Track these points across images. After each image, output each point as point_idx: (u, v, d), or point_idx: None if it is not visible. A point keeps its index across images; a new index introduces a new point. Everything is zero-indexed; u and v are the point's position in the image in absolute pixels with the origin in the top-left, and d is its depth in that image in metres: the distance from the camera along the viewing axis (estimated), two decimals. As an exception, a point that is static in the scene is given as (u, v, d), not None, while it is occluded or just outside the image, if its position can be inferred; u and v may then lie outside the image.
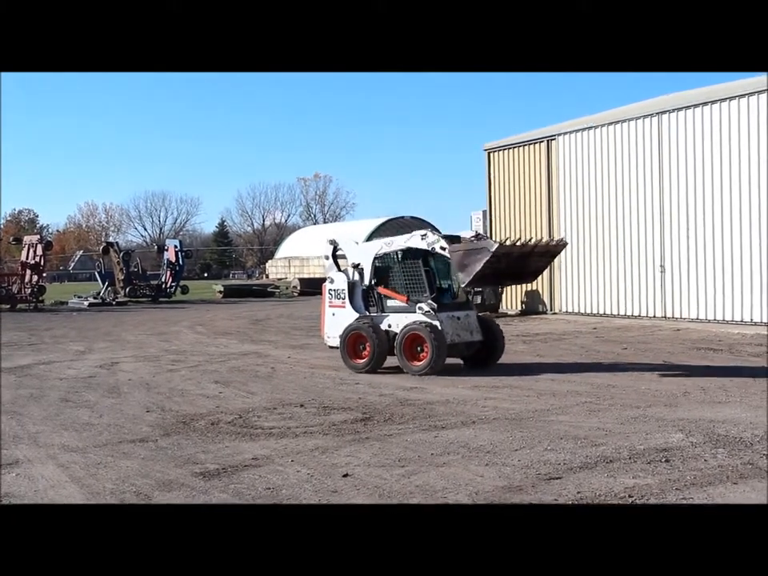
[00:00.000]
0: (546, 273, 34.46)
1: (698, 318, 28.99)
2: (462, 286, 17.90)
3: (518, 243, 17.57)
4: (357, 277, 19.62)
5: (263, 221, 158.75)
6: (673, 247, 30.13)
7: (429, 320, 18.22)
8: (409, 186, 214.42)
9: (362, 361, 18.95)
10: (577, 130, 34.21)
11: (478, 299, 35.59)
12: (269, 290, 66.20)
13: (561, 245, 18.75)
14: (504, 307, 37.27)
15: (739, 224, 27.79)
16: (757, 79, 27.22)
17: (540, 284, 35.99)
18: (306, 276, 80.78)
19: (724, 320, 28.15)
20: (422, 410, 14.03)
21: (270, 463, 10.64)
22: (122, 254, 58.90)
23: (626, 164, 31.95)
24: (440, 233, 18.70)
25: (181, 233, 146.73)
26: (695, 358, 20.64)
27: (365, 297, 19.52)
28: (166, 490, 9.52)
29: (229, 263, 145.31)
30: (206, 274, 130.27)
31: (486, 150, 39.46)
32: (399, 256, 19.09)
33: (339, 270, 20.18)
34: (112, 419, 13.93)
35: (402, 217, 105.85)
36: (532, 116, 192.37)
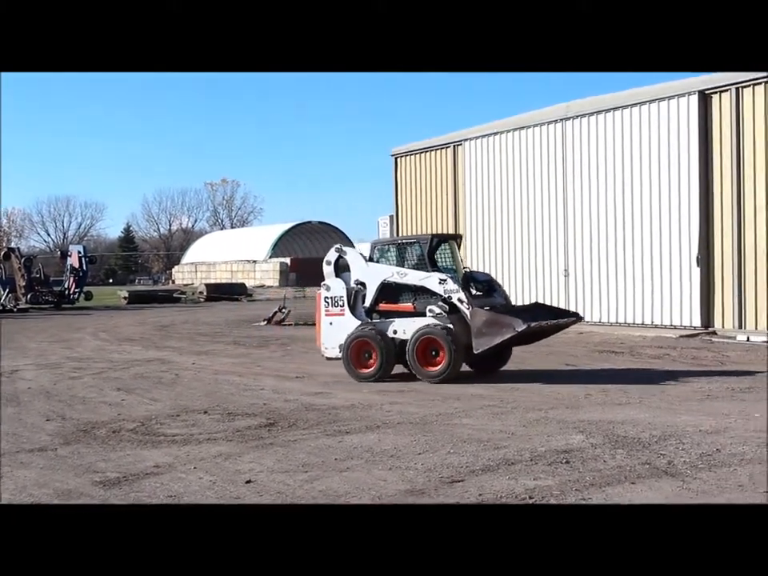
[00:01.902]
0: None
1: (600, 322, 29.44)
2: (475, 352, 17.09)
3: (545, 324, 17.62)
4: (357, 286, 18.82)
5: (170, 226, 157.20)
6: (576, 252, 30.57)
7: (442, 323, 17.57)
8: (317, 191, 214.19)
9: (370, 370, 18.12)
10: (483, 136, 34.51)
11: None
12: (175, 295, 65.47)
13: (573, 321, 18.96)
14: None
15: (640, 229, 28.29)
16: (660, 86, 27.75)
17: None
18: (212, 281, 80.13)
19: (626, 323, 28.64)
20: (327, 415, 14.01)
21: (172, 470, 10.52)
22: (23, 260, 57.74)
23: (531, 169, 32.33)
24: (448, 276, 17.75)
25: (85, 238, 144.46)
26: (598, 360, 20.98)
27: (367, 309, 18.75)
28: (65, 499, 9.35)
29: (134, 269, 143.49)
30: (110, 280, 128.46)
31: (393, 155, 39.61)
32: (411, 287, 18.28)
33: (337, 276, 19.21)
34: (10, 428, 13.63)
35: (310, 222, 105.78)
36: (439, 122, 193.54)
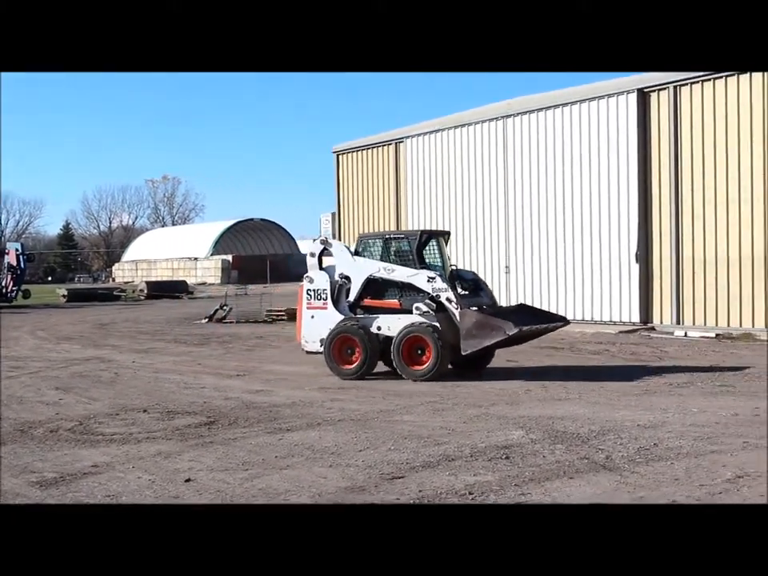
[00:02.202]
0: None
1: (541, 318, 29.58)
2: (463, 353, 16.86)
3: (534, 328, 17.48)
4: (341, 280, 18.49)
5: (110, 223, 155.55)
6: (517, 248, 30.74)
7: (428, 321, 17.28)
8: (259, 188, 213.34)
9: (352, 366, 17.78)
10: (424, 133, 34.57)
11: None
12: (115, 293, 64.80)
13: (562, 325, 18.94)
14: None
15: (580, 225, 28.52)
16: (599, 84, 28.01)
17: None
18: (153, 279, 79.52)
19: (566, 319, 28.82)
20: (268, 413, 13.95)
21: (110, 470, 10.42)
22: (-41, 258, 56.84)
23: (473, 167, 32.44)
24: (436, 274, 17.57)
25: (23, 236, 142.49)
26: (539, 356, 21.11)
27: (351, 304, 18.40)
28: (1, 500, 9.22)
29: (74, 267, 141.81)
30: (49, 278, 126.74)
31: (334, 152, 39.56)
32: (397, 283, 17.98)
33: (321, 268, 18.83)
34: (-55, 428, 13.42)
35: (252, 219, 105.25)
36: (381, 119, 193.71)
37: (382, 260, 18.15)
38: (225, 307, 37.17)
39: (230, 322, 35.45)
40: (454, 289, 17.49)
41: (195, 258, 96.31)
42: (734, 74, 24.02)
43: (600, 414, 13.17)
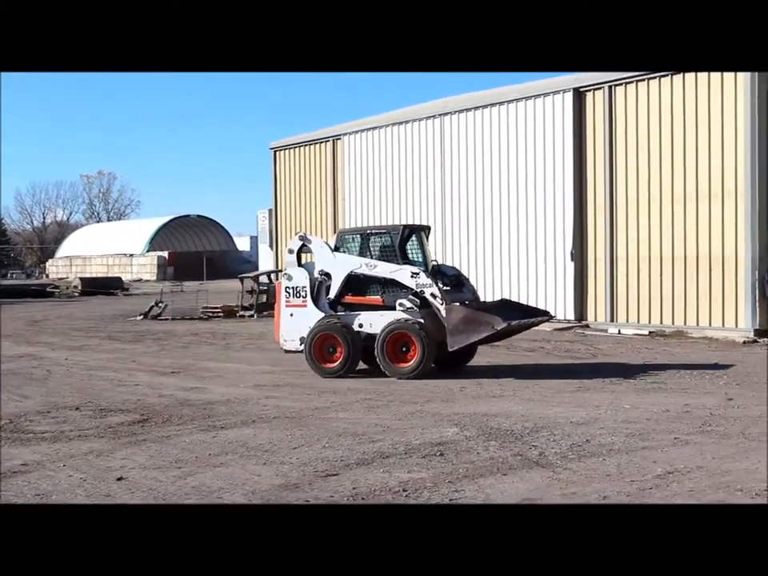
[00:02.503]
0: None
1: (477, 315, 29.71)
2: (450, 349, 16.67)
3: (523, 322, 17.50)
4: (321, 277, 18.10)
5: (44, 218, 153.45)
6: (453, 246, 30.85)
7: (413, 317, 16.99)
8: (195, 185, 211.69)
9: (335, 365, 17.41)
10: (362, 130, 34.58)
11: (264, 298, 35.56)
12: (48, 290, 63.93)
13: (546, 320, 19.16)
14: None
15: (516, 224, 28.70)
16: (535, 84, 28.20)
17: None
18: (88, 275, 78.58)
19: (502, 317, 28.97)
20: (202, 411, 13.86)
21: (40, 468, 10.28)
22: None
23: (410, 164, 32.51)
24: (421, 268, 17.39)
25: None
26: (479, 353, 21.14)
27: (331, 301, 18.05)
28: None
29: (6, 262, 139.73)
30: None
31: (272, 148, 39.46)
32: (379, 279, 17.71)
33: (300, 265, 18.41)
34: None
35: (188, 215, 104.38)
36: (318, 116, 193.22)
37: (361, 256, 17.88)
38: (160, 304, 36.85)
39: (166, 319, 35.15)
40: (437, 284, 17.18)
41: (131, 255, 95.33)
42: (667, 75, 24.31)
43: (534, 410, 13.27)
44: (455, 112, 30.76)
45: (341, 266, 17.90)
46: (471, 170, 30.23)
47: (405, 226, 18.27)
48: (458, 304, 17.05)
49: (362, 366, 17.86)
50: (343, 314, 17.82)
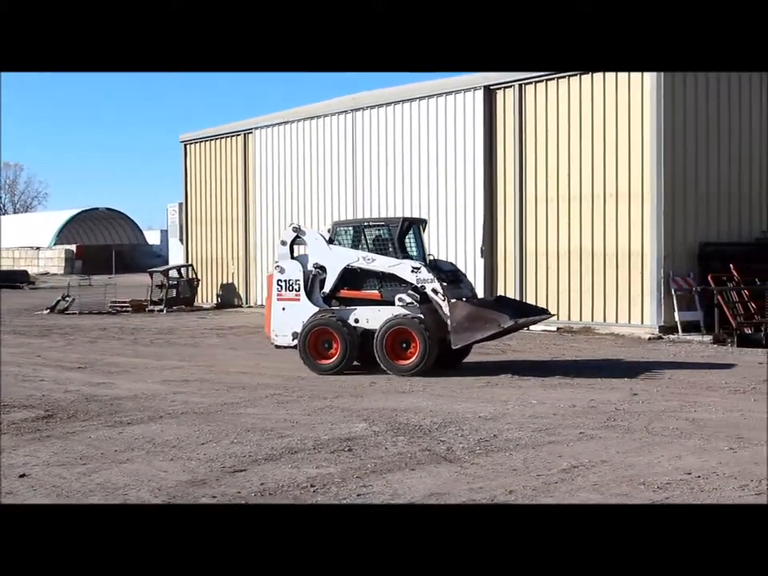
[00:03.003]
0: (242, 267, 34.59)
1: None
2: (453, 347, 16.16)
3: (529, 320, 17.27)
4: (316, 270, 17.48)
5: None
6: (365, 242, 30.83)
7: (412, 312, 16.48)
8: (104, 177, 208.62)
9: (331, 361, 16.87)
10: (273, 125, 34.44)
11: (173, 292, 35.26)
12: (-49, 283, 62.57)
13: (548, 317, 18.97)
14: (199, 301, 37.00)
15: (426, 218, 28.76)
16: (447, 80, 28.33)
17: (236, 277, 36.06)
18: (-7, 268, 76.94)
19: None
20: (109, 406, 13.67)
21: (-60, 465, 10.04)
22: None
23: (322, 159, 32.47)
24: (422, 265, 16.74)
25: None
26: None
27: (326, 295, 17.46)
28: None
29: None
30: None
31: (182, 141, 39.10)
32: (377, 273, 17.16)
33: (293, 257, 17.77)
34: None
35: (97, 208, 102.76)
36: (231, 108, 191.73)
37: (355, 248, 17.35)
38: (67, 298, 36.27)
39: (73, 314, 34.61)
40: (438, 279, 16.59)
41: (37, 248, 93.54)
42: (576, 74, 24.62)
43: (443, 406, 13.35)
44: (367, 108, 30.80)
45: (337, 259, 17.31)
46: (383, 165, 30.29)
47: (404, 219, 17.83)
48: (461, 301, 16.50)
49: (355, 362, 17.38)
50: (338, 308, 17.30)
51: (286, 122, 33.92)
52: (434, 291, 16.35)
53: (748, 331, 21.72)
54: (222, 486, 8.98)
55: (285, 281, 17.53)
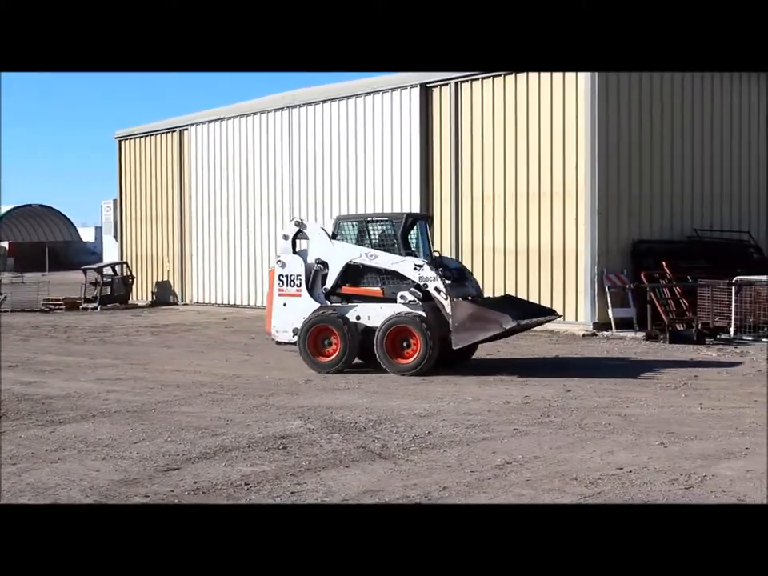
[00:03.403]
0: (177, 264, 34.34)
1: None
2: (454, 347, 15.75)
3: (532, 321, 16.63)
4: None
5: None
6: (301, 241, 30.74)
7: (414, 310, 16.07)
8: (37, 173, 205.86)
9: (330, 358, 16.52)
10: (209, 121, 34.23)
11: (108, 290, 34.92)
12: None
13: (554, 318, 18.29)
14: (134, 298, 36.66)
15: (363, 212, 28.73)
16: (384, 78, 28.33)
17: (171, 275, 35.81)
18: None
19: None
20: (40, 405, 13.49)
21: None
22: None
23: (258, 156, 32.34)
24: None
25: None
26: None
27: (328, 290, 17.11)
28: None
29: None
30: None
31: (117, 137, 38.73)
32: (379, 270, 16.74)
33: (294, 252, 17.44)
34: None
35: (30, 205, 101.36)
36: (166, 105, 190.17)
37: (358, 244, 16.95)
38: (-1, 296, 35.73)
39: (5, 311, 34.04)
40: (441, 278, 16.22)
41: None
42: (511, 73, 24.77)
43: (378, 403, 13.37)
44: (303, 105, 30.73)
45: (339, 255, 16.92)
46: (319, 163, 30.24)
47: (408, 215, 17.48)
48: (463, 300, 16.11)
49: (356, 360, 17.02)
50: (339, 305, 16.91)
51: (221, 119, 33.74)
52: (437, 290, 15.99)
53: (680, 327, 22.01)
54: (155, 484, 8.91)
55: (286, 276, 17.20)
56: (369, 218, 17.81)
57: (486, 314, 15.70)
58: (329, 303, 16.94)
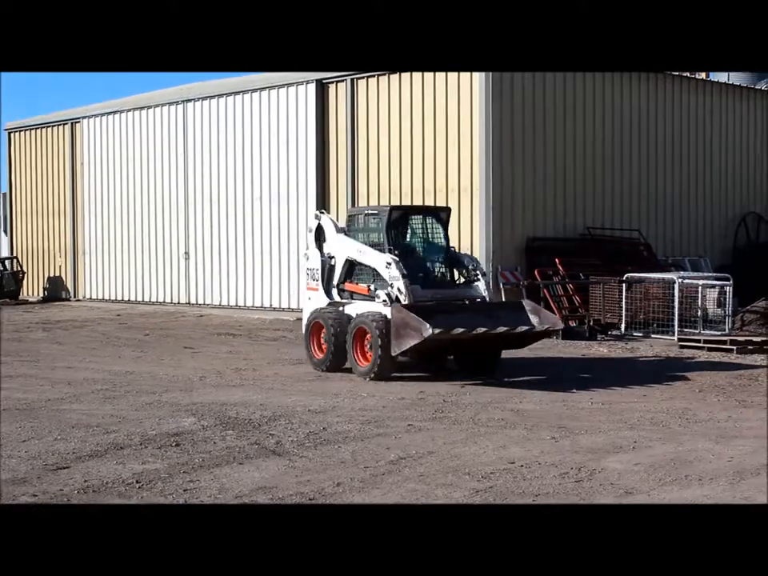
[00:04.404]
0: (69, 260, 33.76)
1: (220, 305, 29.60)
2: (392, 354, 14.73)
3: (460, 331, 14.30)
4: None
5: None
6: (197, 234, 30.53)
7: (380, 310, 15.14)
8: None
9: (321, 357, 16.05)
10: (102, 114, 33.70)
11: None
12: None
13: (549, 332, 16.33)
14: (25, 294, 35.93)
15: (260, 211, 28.68)
16: (281, 74, 28.22)
17: (63, 270, 35.19)
18: None
19: (245, 306, 28.95)
20: (-76, 404, 13.11)
21: None
22: None
23: (153, 150, 31.92)
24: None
25: None
26: (215, 343, 21.06)
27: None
28: None
29: None
30: None
31: (6, 129, 37.95)
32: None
33: (318, 246, 16.80)
34: None
35: None
36: (56, 98, 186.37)
37: (360, 239, 16.37)
38: None
39: None
40: (405, 277, 14.96)
41: None
42: (407, 72, 24.88)
43: (273, 399, 13.31)
44: (198, 99, 30.44)
45: (340, 250, 16.43)
46: (215, 158, 29.98)
47: (392, 208, 16.65)
48: (401, 303, 14.90)
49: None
50: (345, 301, 16.28)
51: (114, 112, 33.23)
52: (399, 291, 15.01)
53: (572, 324, 22.38)
54: (44, 483, 8.73)
55: (309, 270, 16.91)
56: (366, 212, 17.31)
57: (411, 321, 14.39)
58: (339, 300, 16.42)
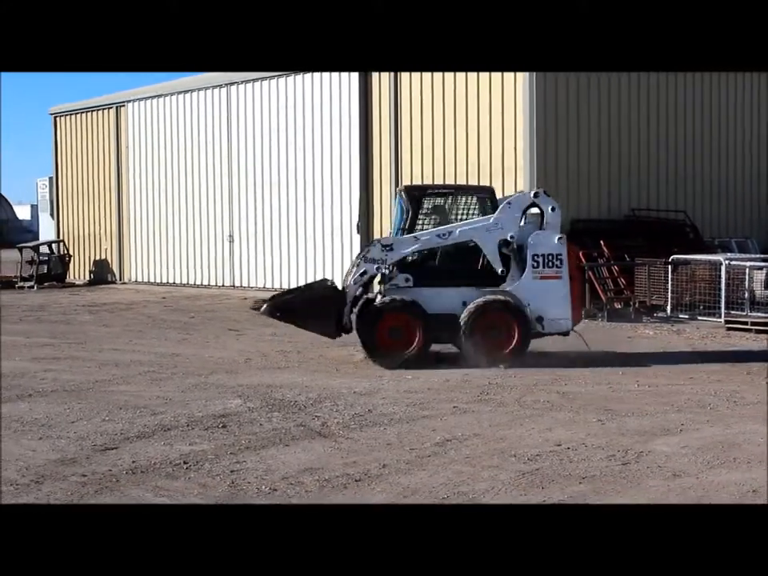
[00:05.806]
0: (115, 243, 34.02)
1: (264, 287, 29.66)
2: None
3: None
4: None
5: None
6: (241, 217, 30.63)
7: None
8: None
9: None
10: (147, 98, 33.85)
11: (44, 269, 34.48)
12: None
13: None
14: (71, 277, 36.23)
15: (303, 195, 28.71)
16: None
17: (109, 253, 35.45)
18: None
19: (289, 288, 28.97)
20: (-25, 385, 13.29)
21: None
22: None
23: (196, 134, 32.02)
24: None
25: None
26: (260, 325, 21.03)
27: None
28: None
29: None
30: None
31: (52, 114, 38.17)
32: None
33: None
34: None
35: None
36: (101, 81, 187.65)
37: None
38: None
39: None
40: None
41: None
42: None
43: (318, 381, 13.34)
44: (242, 82, 30.45)
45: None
46: (258, 141, 30.03)
47: (408, 188, 16.40)
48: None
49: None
50: None
51: (159, 96, 33.35)
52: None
53: (618, 306, 22.23)
54: (93, 464, 8.83)
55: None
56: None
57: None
58: None
